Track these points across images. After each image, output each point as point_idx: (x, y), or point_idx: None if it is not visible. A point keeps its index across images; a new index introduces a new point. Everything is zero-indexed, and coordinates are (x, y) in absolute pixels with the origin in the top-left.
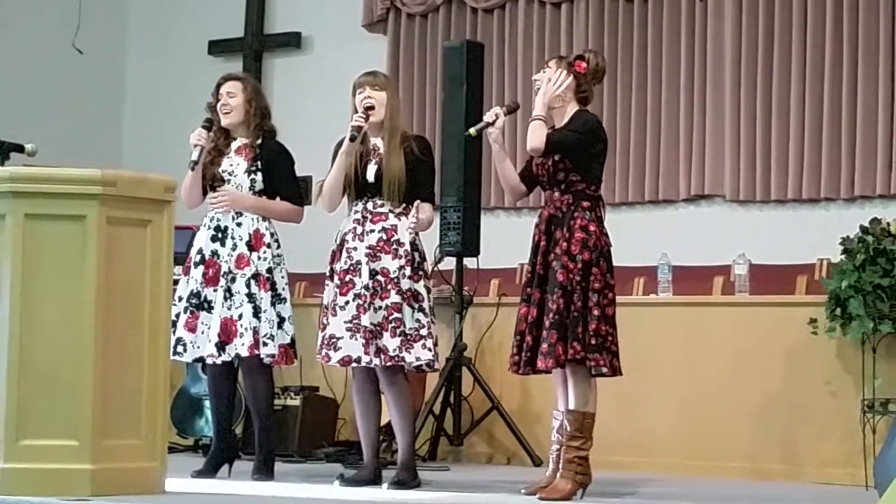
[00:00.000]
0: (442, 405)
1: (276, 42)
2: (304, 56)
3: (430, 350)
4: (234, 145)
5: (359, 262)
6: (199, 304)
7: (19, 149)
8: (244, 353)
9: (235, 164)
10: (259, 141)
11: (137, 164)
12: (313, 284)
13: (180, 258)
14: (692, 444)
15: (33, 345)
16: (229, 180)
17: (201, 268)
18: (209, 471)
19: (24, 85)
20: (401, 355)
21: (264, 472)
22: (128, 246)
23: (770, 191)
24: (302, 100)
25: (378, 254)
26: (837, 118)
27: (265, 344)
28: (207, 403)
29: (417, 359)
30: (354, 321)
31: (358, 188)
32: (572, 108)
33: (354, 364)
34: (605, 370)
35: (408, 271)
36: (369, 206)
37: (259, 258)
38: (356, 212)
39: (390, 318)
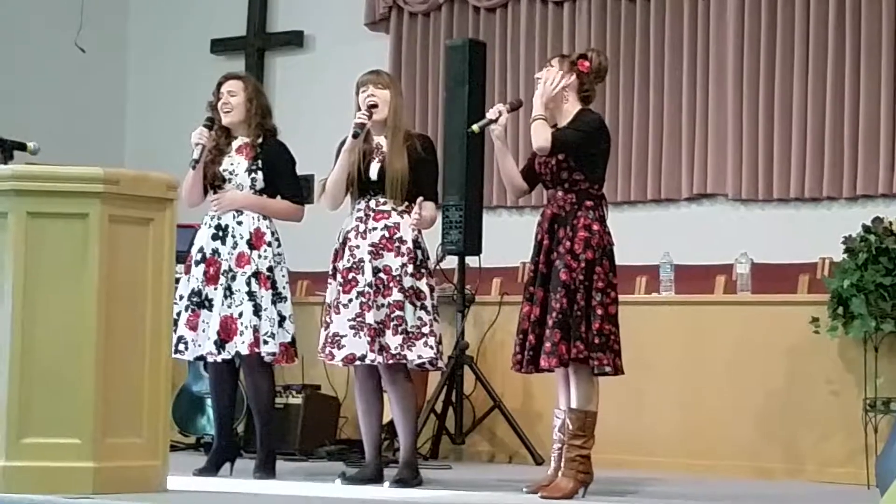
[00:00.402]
0: (444, 404)
1: (278, 40)
2: (306, 55)
3: (431, 348)
4: (235, 144)
5: (361, 260)
6: (200, 302)
7: (22, 147)
8: (244, 351)
9: (236, 163)
10: (260, 140)
11: (139, 163)
12: (315, 283)
13: (182, 256)
14: (694, 443)
15: (35, 343)
16: (230, 179)
17: (202, 266)
18: (211, 469)
19: (26, 83)
20: (403, 353)
21: (266, 470)
22: (130, 244)
23: (772, 190)
24: (304, 98)
25: (381, 251)
26: (840, 117)
27: (266, 342)
28: (209, 402)
29: (419, 357)
30: (358, 319)
31: (361, 186)
32: (575, 107)
33: (358, 362)
34: (608, 369)
35: (410, 269)
36: (372, 204)
37: (260, 256)
38: (359, 210)
39: (392, 315)
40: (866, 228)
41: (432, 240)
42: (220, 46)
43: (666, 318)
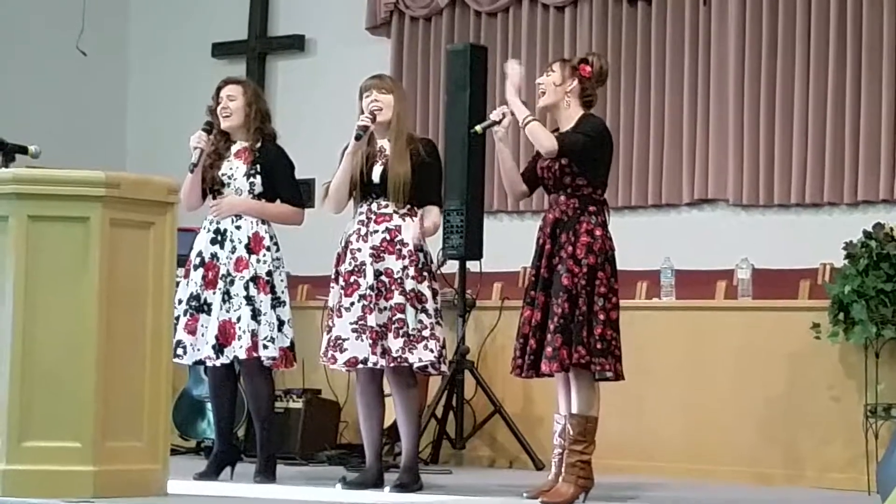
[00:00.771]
0: (444, 408)
1: (279, 44)
2: (307, 59)
3: (432, 351)
4: (234, 149)
5: (363, 263)
6: (199, 306)
7: (23, 150)
8: (242, 355)
9: (235, 168)
10: (259, 144)
11: (140, 167)
12: (316, 287)
13: (183, 260)
14: (695, 449)
15: (36, 346)
16: (229, 184)
17: (201, 270)
18: (211, 473)
19: (27, 87)
20: (404, 356)
21: (266, 474)
22: (131, 248)
23: (773, 195)
24: (305, 102)
25: (382, 254)
26: (841, 122)
27: (265, 347)
28: (209, 406)
29: (420, 360)
30: (360, 322)
31: (363, 189)
32: (577, 111)
33: (361, 365)
34: (609, 375)
35: (411, 272)
36: (374, 207)
37: (258, 261)
38: (360, 213)
39: (394, 318)
40: (867, 234)
41: (433, 244)
42: (222, 50)
43: (667, 323)
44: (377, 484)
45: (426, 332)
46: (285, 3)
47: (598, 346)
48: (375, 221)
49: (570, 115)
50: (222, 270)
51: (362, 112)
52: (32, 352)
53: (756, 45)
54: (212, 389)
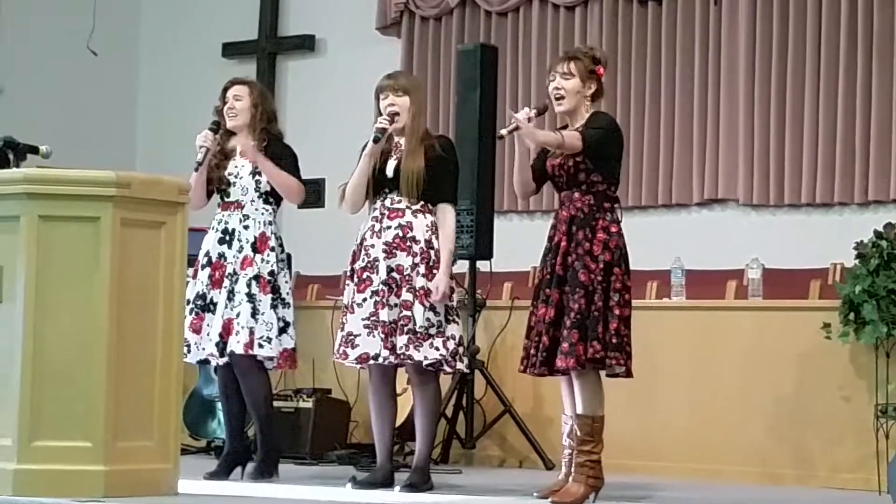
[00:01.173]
0: (454, 408)
1: (289, 44)
2: (317, 59)
3: (437, 350)
4: (240, 148)
5: (376, 260)
6: (205, 305)
7: (34, 150)
8: (238, 350)
9: (240, 166)
10: (265, 144)
11: (150, 166)
12: (326, 287)
13: (193, 260)
14: (704, 449)
15: (47, 346)
16: (234, 183)
17: (208, 270)
18: (222, 473)
19: (38, 86)
20: (408, 353)
21: (262, 472)
22: (141, 248)
23: (783, 195)
24: (315, 102)
25: (394, 251)
26: (851, 122)
27: (261, 346)
28: (220, 405)
29: (426, 358)
30: (372, 318)
31: (377, 184)
32: (587, 108)
33: (372, 361)
34: (621, 370)
35: (422, 269)
36: (387, 202)
37: (262, 260)
38: (375, 209)
39: (402, 315)
40: (878, 234)
41: None
42: (232, 50)
43: (676, 323)
44: (387, 484)
45: (433, 331)
46: (295, 3)
47: (613, 340)
48: (389, 217)
49: (583, 112)
50: (228, 269)
51: (380, 113)
52: (43, 352)
53: (766, 45)
54: (222, 389)
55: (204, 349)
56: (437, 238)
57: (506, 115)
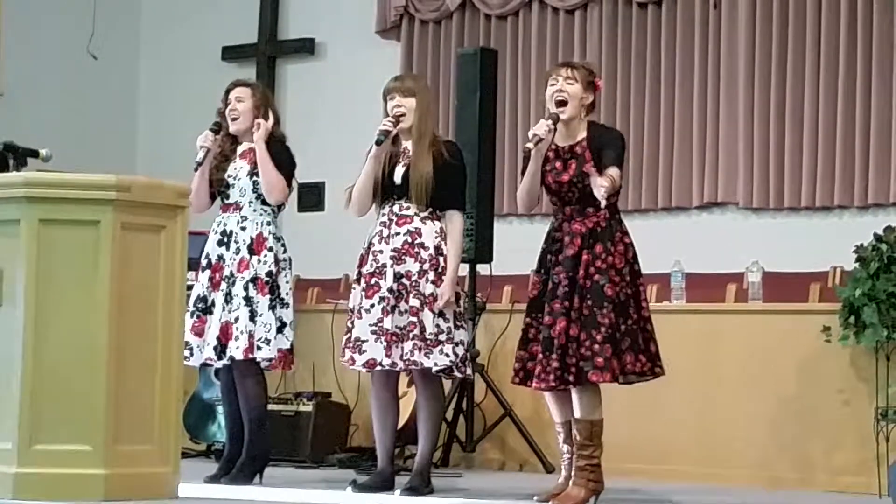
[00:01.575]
0: (455, 411)
1: (289, 48)
2: (317, 62)
3: (447, 356)
4: (240, 150)
5: (384, 266)
6: (206, 308)
7: (34, 154)
8: (238, 356)
9: (239, 168)
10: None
11: (151, 170)
12: (325, 290)
13: (194, 264)
14: (705, 452)
15: (47, 350)
16: (233, 184)
17: (208, 272)
18: (222, 476)
19: (39, 90)
20: (414, 359)
21: (241, 477)
22: (142, 251)
23: (783, 198)
24: (315, 106)
25: (403, 257)
26: (851, 125)
27: (260, 348)
28: (220, 409)
29: (435, 364)
30: (379, 324)
31: (385, 190)
32: (581, 118)
33: (378, 367)
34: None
35: (431, 276)
36: (395, 208)
37: (259, 262)
38: (383, 214)
39: (410, 321)
40: (878, 237)
41: None
42: (232, 54)
43: (677, 326)
44: (388, 487)
45: (442, 337)
46: (295, 6)
47: (652, 349)
48: (397, 223)
49: (578, 123)
50: (226, 272)
51: (386, 115)
52: (43, 355)
53: (766, 47)
54: (223, 392)
55: (203, 352)
56: (445, 244)
57: (506, 120)
